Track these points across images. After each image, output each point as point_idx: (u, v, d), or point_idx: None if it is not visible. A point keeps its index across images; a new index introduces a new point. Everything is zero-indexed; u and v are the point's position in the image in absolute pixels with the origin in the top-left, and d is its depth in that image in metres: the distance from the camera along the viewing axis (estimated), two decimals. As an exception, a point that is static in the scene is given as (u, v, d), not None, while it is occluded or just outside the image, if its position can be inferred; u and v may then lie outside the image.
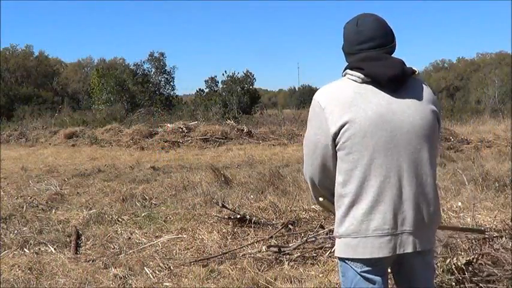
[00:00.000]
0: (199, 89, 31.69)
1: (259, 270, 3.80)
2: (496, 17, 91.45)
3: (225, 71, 30.60)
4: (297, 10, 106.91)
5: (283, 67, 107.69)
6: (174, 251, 4.39)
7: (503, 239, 3.00)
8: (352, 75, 1.74)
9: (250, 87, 30.24)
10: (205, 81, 31.79)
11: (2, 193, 7.01)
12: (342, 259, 1.77)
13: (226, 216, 4.93)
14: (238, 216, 4.81)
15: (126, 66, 36.78)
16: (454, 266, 2.65)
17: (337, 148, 1.71)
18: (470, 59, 51.37)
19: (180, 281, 3.73)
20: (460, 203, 5.20)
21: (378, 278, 1.73)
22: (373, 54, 1.74)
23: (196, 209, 5.71)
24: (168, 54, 66.41)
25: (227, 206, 5.10)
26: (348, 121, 1.66)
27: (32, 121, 20.62)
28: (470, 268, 2.66)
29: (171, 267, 3.99)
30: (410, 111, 1.70)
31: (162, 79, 34.09)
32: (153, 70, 33.73)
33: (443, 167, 8.84)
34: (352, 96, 1.69)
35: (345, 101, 1.69)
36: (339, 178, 1.72)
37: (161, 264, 4.03)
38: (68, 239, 4.76)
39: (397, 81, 1.71)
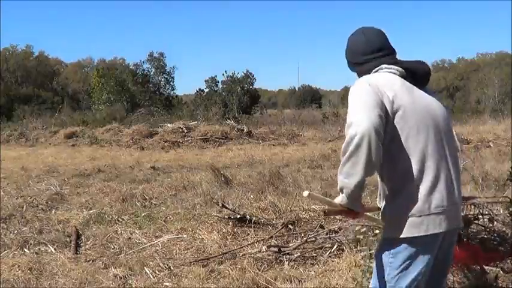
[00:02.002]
0: (199, 89, 31.70)
1: (259, 270, 3.80)
2: (496, 17, 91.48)
3: (225, 71, 30.64)
4: (297, 10, 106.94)
5: (283, 67, 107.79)
6: (174, 251, 4.39)
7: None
8: (390, 68, 1.88)
9: (250, 87, 30.25)
10: (205, 81, 31.80)
11: (2, 193, 7.00)
12: (397, 239, 1.80)
13: (226, 216, 4.93)
14: (238, 216, 4.81)
15: (126, 66, 36.81)
16: None
17: (390, 129, 1.77)
18: (470, 59, 51.41)
19: (180, 281, 3.73)
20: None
21: (429, 256, 1.82)
22: (393, 57, 1.95)
23: (196, 209, 5.71)
24: (168, 54, 66.43)
25: (227, 206, 5.09)
26: (402, 106, 1.78)
27: (32, 121, 20.62)
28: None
29: (171, 267, 3.99)
30: (437, 104, 1.91)
31: (162, 79, 34.10)
32: (153, 70, 33.73)
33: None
34: (400, 85, 1.83)
35: (395, 88, 1.81)
36: (394, 161, 1.79)
37: (161, 264, 4.03)
38: (68, 239, 4.76)
39: (427, 78, 1.93)
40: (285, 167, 9.35)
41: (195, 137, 15.11)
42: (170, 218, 5.48)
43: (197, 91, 31.70)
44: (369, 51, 1.94)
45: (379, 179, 1.91)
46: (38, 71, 42.89)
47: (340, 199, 1.83)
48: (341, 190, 1.80)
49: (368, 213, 2.09)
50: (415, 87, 1.88)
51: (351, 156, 1.71)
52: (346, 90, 64.34)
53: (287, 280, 3.62)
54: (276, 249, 4.10)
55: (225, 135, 15.28)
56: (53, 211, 5.99)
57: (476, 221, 2.92)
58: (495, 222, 2.99)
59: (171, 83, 34.45)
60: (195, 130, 15.63)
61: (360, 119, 1.69)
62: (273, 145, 14.30)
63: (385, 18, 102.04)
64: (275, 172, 7.27)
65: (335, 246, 4.08)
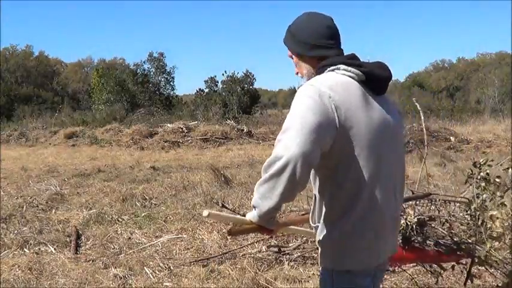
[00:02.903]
0: (199, 89, 31.67)
1: (259, 270, 3.80)
2: (496, 17, 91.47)
3: (225, 71, 30.61)
4: (296, 10, 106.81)
5: (283, 67, 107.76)
6: (174, 251, 4.39)
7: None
8: (349, 71, 1.60)
9: (250, 87, 30.23)
10: (205, 81, 31.73)
11: (2, 193, 7.00)
12: (343, 271, 1.63)
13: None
14: (238, 216, 4.80)
15: (126, 66, 36.81)
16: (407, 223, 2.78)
17: (340, 145, 1.53)
18: (470, 59, 51.42)
19: (180, 281, 3.73)
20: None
21: (377, 284, 1.72)
22: (355, 55, 1.68)
23: (196, 209, 5.71)
24: (168, 54, 66.43)
25: (227, 206, 5.09)
26: (355, 122, 1.54)
27: (32, 121, 20.63)
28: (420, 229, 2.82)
29: (171, 267, 3.99)
30: (393, 118, 1.67)
31: (162, 79, 34.06)
32: (153, 70, 33.70)
33: (443, 167, 8.84)
34: (357, 95, 1.57)
35: (351, 99, 1.55)
36: (340, 184, 1.58)
37: (161, 264, 4.04)
38: (68, 239, 4.76)
39: (387, 85, 1.67)
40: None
41: (195, 137, 15.10)
42: (170, 218, 5.48)
43: (197, 91, 31.68)
44: (326, 36, 1.66)
45: (317, 197, 1.67)
46: (38, 71, 42.89)
47: (251, 216, 1.62)
48: (254, 207, 1.59)
49: (293, 227, 1.94)
50: (371, 98, 1.61)
51: (271, 178, 1.49)
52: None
53: (287, 280, 3.62)
54: (276, 249, 4.10)
55: (225, 135, 15.28)
56: (53, 211, 5.99)
57: (431, 222, 2.86)
58: (449, 223, 2.92)
59: (171, 83, 34.44)
60: (195, 130, 15.63)
61: (291, 142, 1.45)
62: (273, 145, 14.24)
63: (385, 18, 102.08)
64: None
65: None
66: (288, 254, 4.06)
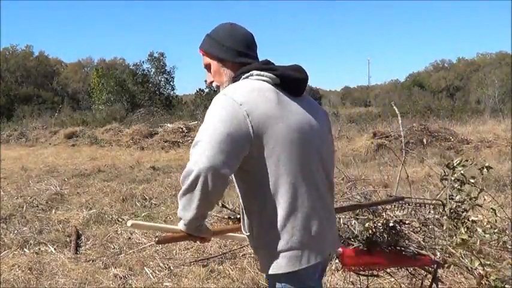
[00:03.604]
0: (199, 89, 31.68)
1: (259, 270, 3.80)
2: (496, 17, 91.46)
3: (225, 71, 30.55)
4: (296, 10, 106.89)
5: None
6: (174, 251, 4.39)
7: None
8: (262, 75, 1.62)
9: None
10: (205, 81, 31.72)
11: (2, 193, 7.01)
12: (278, 275, 1.61)
13: (226, 216, 4.92)
14: (238, 216, 4.81)
15: (126, 66, 36.82)
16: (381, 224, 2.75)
17: (258, 151, 1.54)
18: (470, 59, 51.40)
19: (180, 281, 3.74)
20: (460, 203, 5.19)
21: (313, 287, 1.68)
22: (269, 60, 1.70)
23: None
24: (168, 54, 66.43)
25: (227, 206, 5.08)
26: (271, 127, 1.53)
27: (32, 121, 20.63)
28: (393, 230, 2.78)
29: (171, 267, 3.99)
30: (314, 119, 1.67)
31: (162, 79, 34.07)
32: (153, 70, 33.71)
33: (443, 167, 8.84)
34: (272, 99, 1.57)
35: (265, 104, 1.55)
36: (264, 188, 1.57)
37: (161, 264, 4.04)
38: (68, 239, 4.77)
39: (304, 86, 1.68)
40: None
41: (195, 137, 15.10)
42: (170, 218, 5.48)
43: (197, 91, 31.70)
44: (245, 44, 1.69)
45: (242, 205, 1.68)
46: (38, 71, 42.87)
47: (180, 225, 1.65)
48: (180, 218, 1.62)
49: (230, 234, 1.96)
50: (289, 99, 1.62)
51: (187, 192, 1.51)
52: (346, 90, 64.40)
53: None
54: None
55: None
56: (53, 211, 5.99)
57: (401, 226, 2.79)
58: (419, 227, 2.86)
59: (171, 83, 34.43)
60: (195, 130, 15.63)
61: (200, 156, 1.46)
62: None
63: (385, 18, 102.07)
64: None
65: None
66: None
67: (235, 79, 1.67)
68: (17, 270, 3.95)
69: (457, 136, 12.67)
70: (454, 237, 2.58)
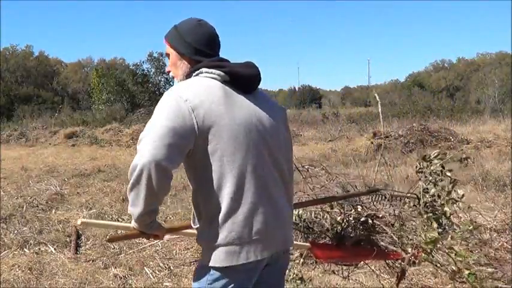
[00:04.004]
0: (199, 89, 31.70)
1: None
2: (496, 17, 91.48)
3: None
4: (296, 10, 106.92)
5: (283, 67, 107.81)
6: (174, 251, 4.40)
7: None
8: (211, 73, 1.64)
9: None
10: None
11: (2, 193, 7.01)
12: (215, 268, 1.62)
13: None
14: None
15: (126, 66, 36.79)
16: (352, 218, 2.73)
17: (203, 147, 1.56)
18: (470, 59, 51.37)
19: (180, 281, 3.74)
20: (460, 203, 5.19)
21: (250, 285, 1.68)
22: (222, 58, 1.72)
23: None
24: (168, 54, 66.30)
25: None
26: (216, 122, 1.56)
27: (32, 121, 20.65)
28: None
29: (171, 267, 3.99)
30: (265, 115, 1.68)
31: (162, 79, 34.06)
32: (153, 70, 33.70)
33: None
34: (219, 95, 1.60)
35: (211, 99, 1.58)
36: (209, 183, 1.58)
37: (161, 264, 4.04)
38: (68, 239, 4.77)
39: (255, 83, 1.70)
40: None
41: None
42: (170, 218, 5.49)
43: (197, 91, 31.71)
44: (206, 42, 1.70)
45: (192, 199, 1.70)
46: (38, 71, 42.85)
47: (132, 223, 1.68)
48: (131, 215, 1.64)
49: (185, 230, 1.96)
50: (239, 95, 1.64)
51: (133, 187, 1.54)
52: (346, 90, 64.40)
53: (287, 280, 3.61)
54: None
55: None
56: (53, 211, 5.99)
57: (372, 219, 2.74)
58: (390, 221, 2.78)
59: (171, 83, 34.26)
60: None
61: (144, 150, 1.51)
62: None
63: (385, 18, 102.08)
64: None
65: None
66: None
67: (188, 76, 1.71)
68: (17, 270, 3.94)
69: (457, 136, 12.67)
70: (426, 233, 2.54)
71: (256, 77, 1.69)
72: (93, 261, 4.20)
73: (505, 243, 4.25)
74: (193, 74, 1.68)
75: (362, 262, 3.05)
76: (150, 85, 32.52)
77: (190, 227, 1.77)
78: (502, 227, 4.52)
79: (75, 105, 35.53)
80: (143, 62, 33.30)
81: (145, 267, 3.96)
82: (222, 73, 1.63)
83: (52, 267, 4.03)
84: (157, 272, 3.89)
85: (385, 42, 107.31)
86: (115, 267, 3.98)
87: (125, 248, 4.50)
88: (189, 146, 1.55)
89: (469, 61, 50.50)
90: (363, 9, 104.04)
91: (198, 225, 1.68)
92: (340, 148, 12.27)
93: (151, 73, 33.64)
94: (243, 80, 1.66)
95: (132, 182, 1.54)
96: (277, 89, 68.35)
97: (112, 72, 30.38)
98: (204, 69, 1.65)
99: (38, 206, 6.21)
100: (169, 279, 3.78)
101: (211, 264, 1.61)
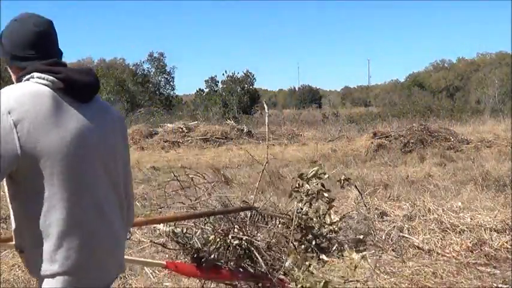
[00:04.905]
0: (199, 89, 31.71)
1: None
2: (496, 17, 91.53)
3: (225, 71, 30.62)
4: (297, 10, 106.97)
5: (283, 67, 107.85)
6: (174, 251, 4.39)
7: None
8: (43, 78, 1.42)
9: (250, 87, 30.24)
10: (205, 81, 31.77)
11: (2, 193, 6.99)
12: None
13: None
14: None
15: (126, 66, 36.80)
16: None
17: (27, 163, 1.36)
18: (470, 59, 51.35)
19: (180, 281, 3.73)
20: (460, 203, 5.20)
21: None
22: (58, 61, 1.53)
23: (196, 209, 5.70)
24: (168, 54, 66.44)
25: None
26: (41, 138, 1.36)
27: (32, 121, 20.61)
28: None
29: (171, 267, 3.99)
30: (100, 129, 1.50)
31: (162, 79, 34.08)
32: (153, 70, 33.72)
33: (443, 167, 8.85)
34: (48, 106, 1.39)
35: (39, 110, 1.37)
36: (36, 205, 1.40)
37: (161, 264, 4.03)
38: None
39: (92, 92, 1.51)
40: (285, 167, 9.35)
41: (195, 137, 15.12)
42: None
43: (197, 91, 31.73)
44: (22, 46, 1.49)
45: (12, 217, 1.49)
46: (38, 71, 42.87)
47: None
48: None
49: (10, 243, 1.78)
50: (72, 106, 1.44)
51: None
52: (346, 90, 64.41)
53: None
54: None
55: (225, 135, 15.30)
56: (53, 211, 5.99)
57: (246, 242, 2.58)
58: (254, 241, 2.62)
59: (171, 83, 34.40)
60: (195, 130, 15.64)
61: None
62: (273, 145, 14.31)
63: (385, 18, 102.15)
64: (275, 172, 7.28)
65: (335, 246, 4.08)
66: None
67: (18, 82, 1.50)
68: (17, 270, 3.94)
69: (457, 136, 12.69)
70: (292, 257, 2.42)
71: (93, 86, 1.51)
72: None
73: (505, 243, 4.26)
74: (24, 79, 1.46)
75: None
76: (150, 85, 32.56)
77: (9, 241, 1.61)
78: (502, 227, 4.52)
79: (75, 105, 35.48)
80: (143, 62, 33.36)
81: (145, 267, 3.95)
82: (55, 79, 1.42)
83: (52, 267, 4.02)
84: (157, 272, 3.89)
85: (385, 42, 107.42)
86: (115, 267, 3.98)
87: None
88: (12, 166, 1.35)
89: (469, 61, 50.47)
90: (363, 9, 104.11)
91: (20, 249, 1.50)
92: (340, 148, 12.28)
93: (151, 73, 33.68)
94: (79, 88, 1.46)
95: None
96: (277, 89, 68.42)
97: (112, 72, 30.40)
98: (36, 74, 1.44)
99: (38, 206, 6.21)
100: (169, 280, 3.78)
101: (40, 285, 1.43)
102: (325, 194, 2.60)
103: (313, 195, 2.61)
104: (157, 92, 33.06)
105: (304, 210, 2.61)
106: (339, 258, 3.88)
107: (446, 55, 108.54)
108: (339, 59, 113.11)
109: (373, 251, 4.24)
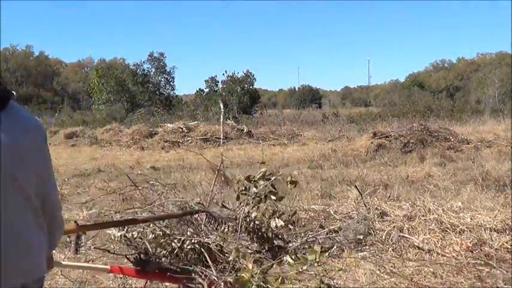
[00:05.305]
0: (199, 89, 31.72)
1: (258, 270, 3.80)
2: (496, 17, 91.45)
3: (225, 71, 30.63)
4: (297, 10, 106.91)
5: (283, 67, 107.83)
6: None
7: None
8: None
9: (250, 87, 30.25)
10: (205, 81, 31.79)
11: None
12: None
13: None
14: None
15: (126, 66, 36.80)
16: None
17: None
18: (470, 59, 51.38)
19: (180, 281, 3.73)
20: (460, 203, 5.20)
21: None
22: None
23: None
24: (168, 54, 66.45)
25: (227, 206, 5.09)
26: None
27: (32, 121, 20.60)
28: None
29: (171, 267, 3.99)
30: (16, 136, 1.43)
31: (162, 79, 34.06)
32: (153, 70, 33.71)
33: (443, 167, 8.85)
34: None
35: None
36: None
37: (161, 264, 4.03)
38: (68, 239, 4.76)
39: (3, 98, 1.44)
40: (285, 167, 9.35)
41: (195, 137, 15.12)
42: None
43: (197, 91, 31.73)
44: None
45: None
46: (38, 71, 42.92)
47: None
48: None
49: None
50: None
51: None
52: (346, 90, 64.44)
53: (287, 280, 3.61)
54: (276, 249, 4.09)
55: (225, 135, 15.30)
56: (53, 211, 5.98)
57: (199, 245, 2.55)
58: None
59: (171, 83, 34.40)
60: (195, 130, 15.64)
61: None
62: (273, 145, 14.31)
63: (385, 18, 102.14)
64: (275, 172, 7.27)
65: (335, 246, 4.09)
66: (288, 253, 4.06)
67: None
68: None
69: (457, 136, 12.69)
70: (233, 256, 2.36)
71: (3, 94, 1.43)
72: (93, 261, 4.20)
73: (505, 243, 4.26)
74: None
75: None
76: (150, 85, 32.54)
77: None
78: (502, 227, 4.52)
79: (75, 105, 35.59)
80: (143, 62, 33.33)
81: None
82: None
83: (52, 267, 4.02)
84: (157, 272, 3.89)
85: (385, 42, 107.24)
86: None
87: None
88: None
89: (469, 61, 50.53)
90: (363, 9, 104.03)
91: None
92: (340, 148, 12.27)
93: (152, 73, 33.66)
94: None
95: None
96: (277, 89, 68.45)
97: (112, 72, 30.39)
98: None
99: (38, 206, 6.20)
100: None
101: None
102: (273, 197, 2.54)
103: (260, 197, 2.55)
104: (157, 92, 33.04)
105: (252, 214, 2.55)
106: (339, 257, 3.89)
107: (446, 55, 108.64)
108: (339, 59, 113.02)
109: (373, 251, 4.24)
